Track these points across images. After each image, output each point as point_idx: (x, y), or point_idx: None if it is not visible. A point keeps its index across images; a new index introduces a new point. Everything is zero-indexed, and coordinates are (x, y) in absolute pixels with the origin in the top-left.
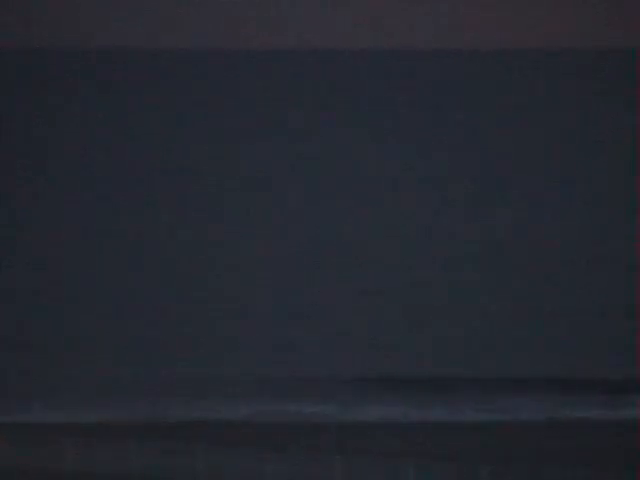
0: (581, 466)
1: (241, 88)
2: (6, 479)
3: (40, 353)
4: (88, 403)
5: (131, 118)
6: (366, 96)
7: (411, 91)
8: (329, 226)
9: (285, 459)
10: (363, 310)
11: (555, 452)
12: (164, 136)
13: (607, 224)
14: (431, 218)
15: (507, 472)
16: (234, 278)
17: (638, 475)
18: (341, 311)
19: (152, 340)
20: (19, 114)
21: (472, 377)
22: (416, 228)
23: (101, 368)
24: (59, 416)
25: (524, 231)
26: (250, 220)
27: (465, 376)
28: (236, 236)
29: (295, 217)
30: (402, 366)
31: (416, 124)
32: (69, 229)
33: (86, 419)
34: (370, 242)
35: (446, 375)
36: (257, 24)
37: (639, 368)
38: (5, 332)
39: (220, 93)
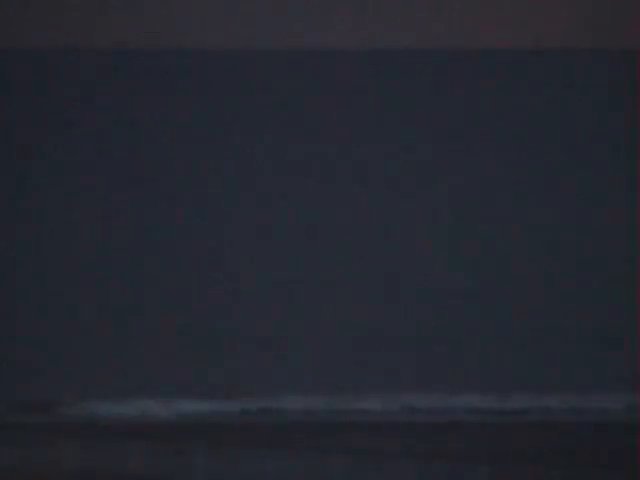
0: (581, 466)
1: (241, 88)
2: (6, 479)
3: (40, 353)
4: (88, 403)
5: (131, 118)
6: (366, 96)
7: (411, 91)
8: (329, 225)
9: (285, 459)
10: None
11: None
12: (164, 136)
13: (606, 225)
14: (431, 218)
15: (507, 472)
16: (234, 279)
17: (638, 475)
18: (343, 313)
19: (151, 340)
20: (18, 114)
21: None
22: (415, 228)
23: (101, 368)
24: (60, 416)
25: (523, 231)
26: (250, 220)
27: None
28: (236, 237)
29: (294, 217)
30: None
31: (416, 124)
32: (68, 229)
33: (85, 419)
34: (369, 242)
35: None
36: (257, 24)
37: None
38: (5, 332)
39: (220, 93)
